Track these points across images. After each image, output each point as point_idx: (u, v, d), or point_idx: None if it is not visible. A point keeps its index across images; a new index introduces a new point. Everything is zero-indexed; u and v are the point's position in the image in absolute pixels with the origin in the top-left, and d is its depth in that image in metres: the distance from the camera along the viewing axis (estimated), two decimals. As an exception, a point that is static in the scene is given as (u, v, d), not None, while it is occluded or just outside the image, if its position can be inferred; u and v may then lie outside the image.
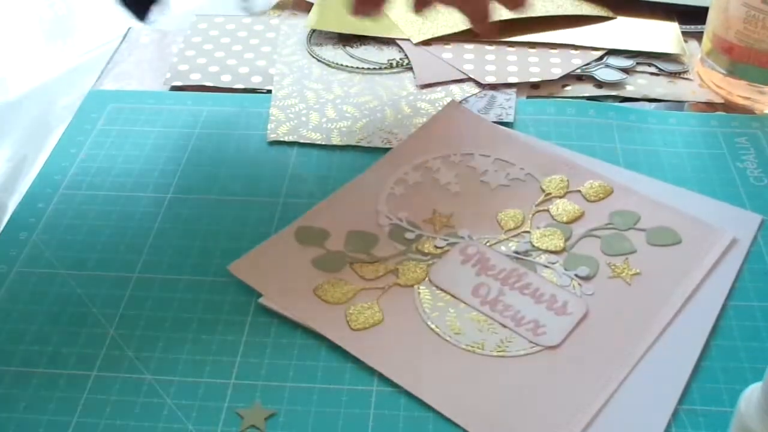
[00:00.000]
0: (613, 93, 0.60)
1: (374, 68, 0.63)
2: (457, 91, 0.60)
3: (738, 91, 0.60)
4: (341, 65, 0.63)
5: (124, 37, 0.69)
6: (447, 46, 0.65)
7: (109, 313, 0.44)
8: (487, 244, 0.48)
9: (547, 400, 0.40)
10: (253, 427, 0.39)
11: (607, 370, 0.41)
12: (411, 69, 0.63)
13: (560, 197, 0.51)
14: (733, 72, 0.59)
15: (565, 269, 0.46)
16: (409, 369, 0.41)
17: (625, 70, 0.62)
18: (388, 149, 0.55)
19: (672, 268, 0.46)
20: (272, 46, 0.66)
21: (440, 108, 0.58)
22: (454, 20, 0.67)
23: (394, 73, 0.63)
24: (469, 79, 0.62)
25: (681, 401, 0.40)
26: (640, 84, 0.61)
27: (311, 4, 0.70)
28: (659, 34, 0.65)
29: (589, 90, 0.61)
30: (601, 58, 0.63)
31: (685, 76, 0.62)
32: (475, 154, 0.54)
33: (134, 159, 0.55)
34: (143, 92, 0.61)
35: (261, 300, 0.45)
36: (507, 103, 0.59)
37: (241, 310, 0.45)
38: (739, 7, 0.56)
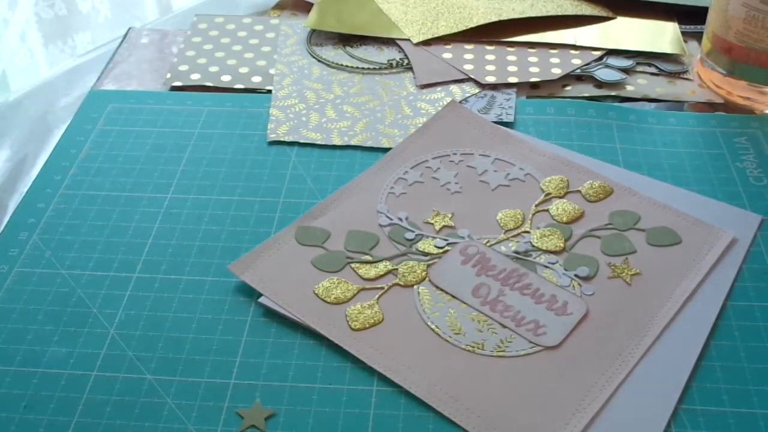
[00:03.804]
0: (613, 93, 0.60)
1: (374, 68, 0.63)
2: (457, 91, 0.61)
3: (738, 91, 0.60)
4: (341, 65, 0.63)
5: (124, 37, 0.69)
6: (447, 46, 0.65)
7: (109, 313, 0.44)
8: (487, 244, 0.48)
9: (547, 400, 0.40)
10: (253, 427, 0.39)
11: (607, 370, 0.41)
12: (411, 69, 0.63)
13: (560, 197, 0.51)
14: (732, 72, 0.59)
15: (565, 269, 0.46)
16: (409, 369, 0.41)
17: (625, 70, 0.62)
18: (388, 149, 0.55)
19: (672, 268, 0.46)
20: (272, 46, 0.66)
21: (440, 108, 0.58)
22: (454, 20, 0.67)
23: (394, 73, 0.63)
24: (469, 79, 0.62)
25: (681, 401, 0.40)
26: (640, 84, 0.61)
27: (311, 4, 0.70)
28: (659, 34, 0.65)
29: (589, 90, 0.61)
30: (601, 58, 0.63)
31: (685, 76, 0.62)
32: (475, 154, 0.54)
33: (134, 159, 0.55)
34: (143, 92, 0.61)
35: (261, 300, 0.45)
36: (507, 103, 0.59)
37: (241, 310, 0.45)
38: (739, 7, 0.56)
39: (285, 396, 0.40)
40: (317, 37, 0.67)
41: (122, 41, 0.68)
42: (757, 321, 0.44)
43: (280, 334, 0.43)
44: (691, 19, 0.67)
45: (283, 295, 0.45)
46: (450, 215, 0.50)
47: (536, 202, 0.51)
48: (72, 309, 0.45)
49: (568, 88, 0.61)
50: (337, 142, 0.56)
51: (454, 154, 0.54)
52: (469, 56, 0.64)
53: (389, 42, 0.66)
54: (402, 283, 0.46)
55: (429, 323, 0.43)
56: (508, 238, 0.48)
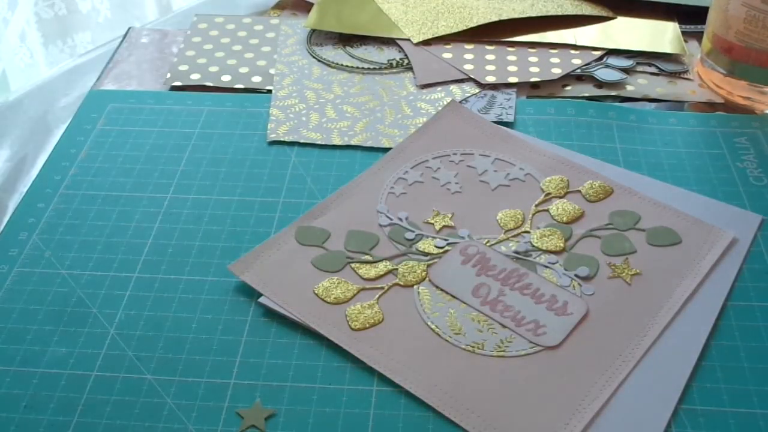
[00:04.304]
0: (613, 93, 0.60)
1: (374, 68, 0.63)
2: (457, 91, 0.61)
3: (738, 91, 0.60)
4: (341, 65, 0.63)
5: (124, 37, 0.69)
6: (447, 46, 0.65)
7: (109, 313, 0.44)
8: (487, 244, 0.48)
9: (547, 400, 0.40)
10: (253, 427, 0.39)
11: (607, 370, 0.41)
12: (411, 69, 0.63)
13: (560, 197, 0.51)
14: (733, 72, 0.59)
15: (565, 269, 0.46)
16: (409, 369, 0.41)
17: (625, 70, 0.62)
18: (388, 149, 0.55)
19: (672, 268, 0.46)
20: (272, 46, 0.66)
21: (440, 108, 0.58)
22: (454, 20, 0.67)
23: (394, 73, 0.63)
24: (469, 79, 0.62)
25: (681, 401, 0.40)
26: (640, 84, 0.61)
27: (311, 4, 0.70)
28: (659, 34, 0.65)
29: (589, 90, 0.61)
30: (601, 58, 0.63)
31: (685, 76, 0.62)
32: (475, 154, 0.54)
33: (134, 159, 0.55)
34: (143, 92, 0.61)
35: (261, 300, 0.45)
36: (507, 103, 0.59)
37: (241, 310, 0.45)
38: (739, 7, 0.56)
39: (285, 396, 0.40)
40: (317, 37, 0.67)
41: (122, 41, 0.68)
42: (757, 321, 0.44)
43: (280, 334, 0.43)
44: (691, 19, 0.67)
45: (283, 295, 0.45)
46: (450, 215, 0.50)
47: (536, 202, 0.51)
48: (72, 309, 0.45)
49: (568, 88, 0.61)
50: (337, 142, 0.56)
51: (454, 154, 0.54)
52: (469, 56, 0.64)
53: (389, 42, 0.66)
54: (402, 283, 0.46)
55: (429, 323, 0.43)
56: (508, 238, 0.48)
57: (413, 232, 0.49)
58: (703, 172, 0.53)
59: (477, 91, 0.61)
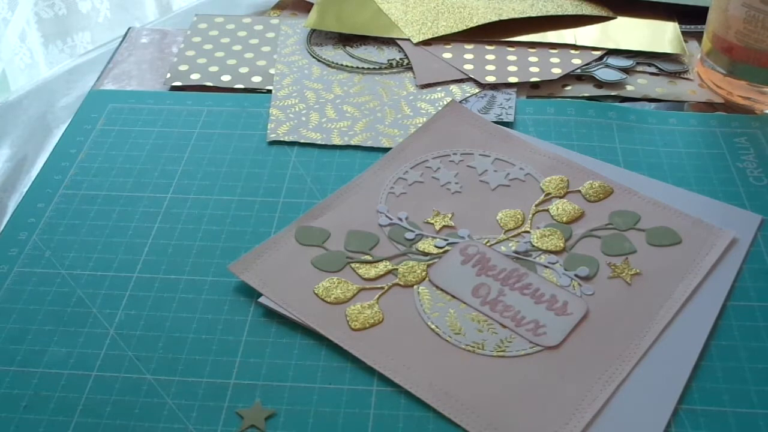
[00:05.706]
0: (613, 93, 0.60)
1: (374, 68, 0.63)
2: (457, 91, 0.61)
3: (738, 91, 0.60)
4: (341, 65, 0.63)
5: (124, 37, 0.69)
6: (447, 46, 0.65)
7: (109, 313, 0.45)
8: (487, 244, 0.48)
9: (547, 400, 0.40)
10: (253, 427, 0.39)
11: (607, 370, 0.41)
12: (411, 69, 0.63)
13: (560, 197, 0.51)
14: (733, 72, 0.59)
15: (565, 269, 0.46)
16: (409, 369, 0.41)
17: (625, 70, 0.62)
18: (388, 149, 0.55)
19: (672, 268, 0.46)
20: (272, 46, 0.66)
21: (440, 108, 0.58)
22: (454, 20, 0.67)
23: (394, 73, 0.63)
24: (469, 79, 0.62)
25: (681, 401, 0.40)
26: (640, 84, 0.61)
27: (311, 4, 0.70)
28: (659, 34, 0.65)
29: (589, 90, 0.61)
30: (601, 58, 0.63)
31: (685, 76, 0.62)
32: (474, 154, 0.54)
33: (134, 159, 0.55)
34: (143, 92, 0.61)
35: (261, 300, 0.45)
36: (507, 103, 0.59)
37: (241, 310, 0.45)
38: (739, 7, 0.56)
39: (285, 396, 0.40)
40: (317, 37, 0.67)
41: (122, 41, 0.68)
42: (757, 321, 0.44)
43: (280, 334, 0.43)
44: (691, 18, 0.67)
45: (283, 295, 0.45)
46: (450, 215, 0.50)
47: (536, 202, 0.51)
48: (72, 309, 0.45)
49: (568, 88, 0.61)
50: (337, 142, 0.56)
51: (454, 154, 0.54)
52: (469, 56, 0.64)
53: (389, 42, 0.66)
54: (402, 283, 0.46)
55: (429, 323, 0.43)
56: (508, 238, 0.48)
57: (413, 232, 0.49)
58: (703, 172, 0.53)
59: (477, 91, 0.61)
